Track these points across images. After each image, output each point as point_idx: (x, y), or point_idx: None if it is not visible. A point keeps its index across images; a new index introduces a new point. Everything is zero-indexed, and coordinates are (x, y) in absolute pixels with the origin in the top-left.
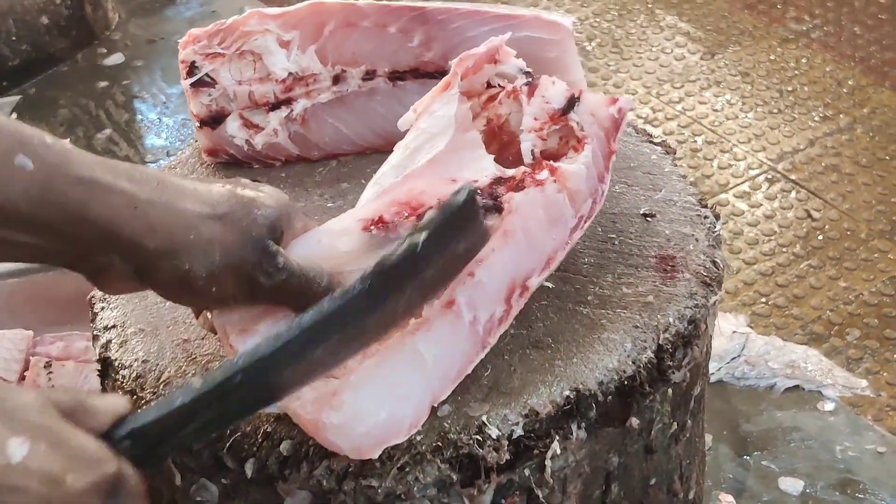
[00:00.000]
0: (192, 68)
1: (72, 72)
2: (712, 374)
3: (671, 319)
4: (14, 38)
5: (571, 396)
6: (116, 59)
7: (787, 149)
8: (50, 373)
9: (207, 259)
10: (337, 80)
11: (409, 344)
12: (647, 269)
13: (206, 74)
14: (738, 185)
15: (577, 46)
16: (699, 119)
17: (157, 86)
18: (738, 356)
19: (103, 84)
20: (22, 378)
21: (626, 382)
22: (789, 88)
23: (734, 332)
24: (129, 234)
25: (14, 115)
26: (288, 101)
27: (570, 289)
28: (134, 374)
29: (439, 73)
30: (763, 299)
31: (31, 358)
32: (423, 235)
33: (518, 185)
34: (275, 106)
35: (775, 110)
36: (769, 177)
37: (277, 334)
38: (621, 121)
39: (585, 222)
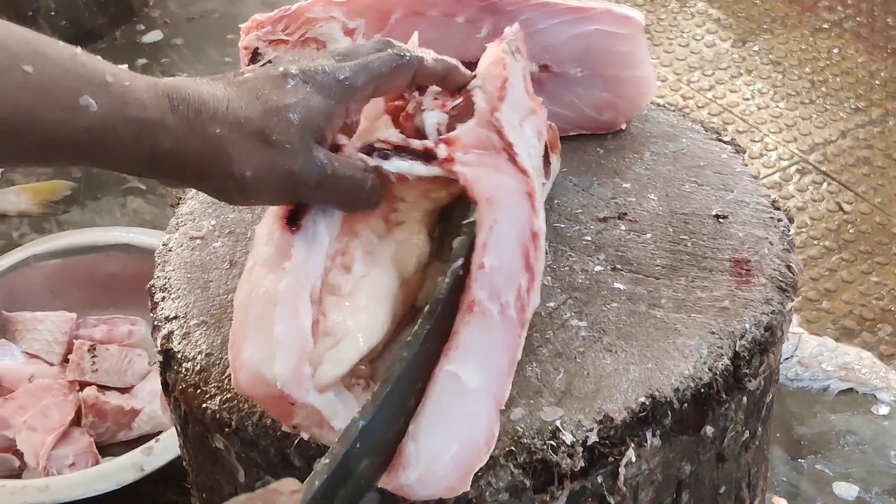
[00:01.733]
0: (254, 55)
1: (110, 48)
2: None
3: (748, 326)
4: (53, 14)
5: (647, 403)
6: (155, 36)
7: (818, 140)
8: (94, 356)
9: (241, 180)
10: None
11: (442, 370)
12: (721, 272)
13: (269, 61)
14: (770, 175)
15: None
16: (730, 108)
17: (195, 64)
18: (791, 356)
19: (142, 61)
20: (65, 360)
21: (702, 390)
22: (821, 79)
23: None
24: (170, 164)
25: None
26: None
27: (643, 291)
28: (198, 368)
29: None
30: None
31: (74, 341)
32: (459, 262)
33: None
34: None
35: (807, 100)
36: (800, 168)
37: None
38: (509, 46)
39: (510, 148)
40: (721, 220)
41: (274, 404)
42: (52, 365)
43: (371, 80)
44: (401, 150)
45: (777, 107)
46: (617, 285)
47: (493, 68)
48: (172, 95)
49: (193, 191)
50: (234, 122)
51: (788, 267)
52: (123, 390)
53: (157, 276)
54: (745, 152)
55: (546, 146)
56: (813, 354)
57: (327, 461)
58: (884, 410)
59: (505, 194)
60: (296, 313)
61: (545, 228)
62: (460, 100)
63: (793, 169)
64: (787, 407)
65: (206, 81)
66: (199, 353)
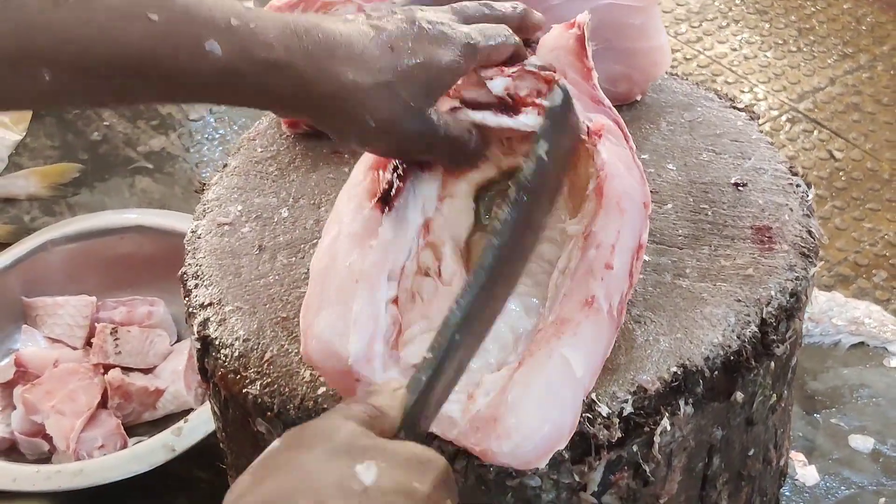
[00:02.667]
0: None
1: None
2: None
3: (773, 293)
4: None
5: (679, 373)
6: None
7: (807, 88)
8: (116, 339)
9: (362, 125)
10: None
11: (557, 351)
12: (743, 240)
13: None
14: (761, 125)
15: None
16: (718, 59)
17: None
18: None
19: None
20: (88, 344)
21: (731, 357)
22: (807, 26)
23: None
24: (296, 103)
25: None
26: None
27: (668, 261)
28: (237, 354)
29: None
30: None
31: (96, 325)
32: (544, 146)
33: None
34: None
35: (794, 49)
36: (790, 117)
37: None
38: (584, 38)
39: (629, 143)
40: (740, 188)
41: (339, 379)
42: (75, 349)
43: (491, 49)
44: (494, 108)
45: (765, 56)
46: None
47: (570, 56)
48: (303, 37)
49: (217, 176)
50: (367, 69)
51: (809, 232)
52: (146, 371)
53: (189, 264)
54: (759, 118)
55: None
56: (823, 310)
57: (430, 355)
58: (895, 363)
59: (630, 203)
60: (375, 293)
61: None
62: (516, 68)
63: (783, 118)
64: (800, 363)
65: (342, 22)
66: (237, 339)
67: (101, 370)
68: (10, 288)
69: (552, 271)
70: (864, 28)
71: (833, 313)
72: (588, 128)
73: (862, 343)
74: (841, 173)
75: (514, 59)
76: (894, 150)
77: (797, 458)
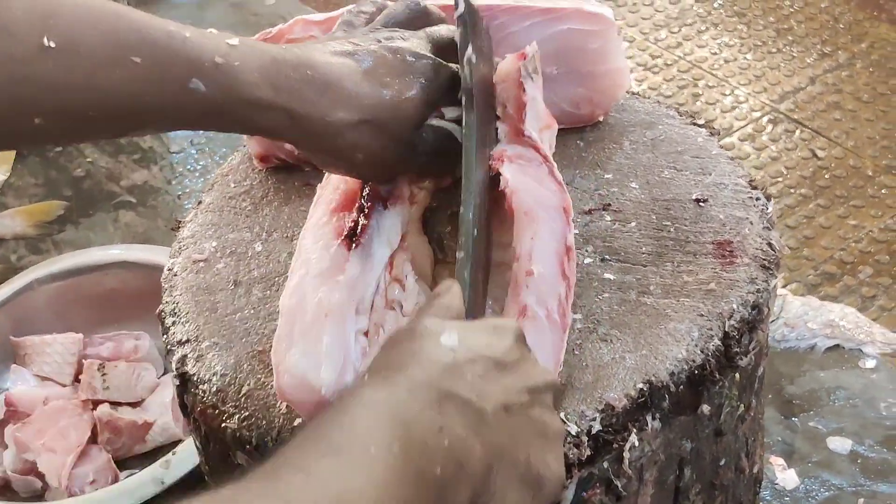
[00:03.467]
0: None
1: None
2: None
3: (735, 306)
4: None
5: (645, 389)
6: None
7: (787, 88)
8: (104, 374)
9: (351, 159)
10: None
11: None
12: (705, 255)
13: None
14: (742, 127)
15: None
16: (698, 63)
17: None
18: (777, 318)
19: None
20: (76, 380)
21: (696, 371)
22: (786, 27)
23: None
24: (282, 137)
25: None
26: None
27: (632, 279)
28: (214, 389)
29: None
30: None
31: (83, 361)
32: (469, 50)
33: None
34: None
35: (774, 50)
36: (772, 118)
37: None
38: (527, 68)
39: (548, 161)
40: (701, 203)
41: (313, 411)
42: (64, 386)
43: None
44: None
45: (745, 58)
46: (607, 275)
47: (510, 89)
48: (290, 74)
49: (192, 213)
50: (357, 107)
51: (770, 244)
52: (135, 405)
53: (166, 301)
54: (719, 134)
55: None
56: (798, 314)
57: (461, 254)
58: (870, 364)
59: (542, 210)
60: (345, 326)
61: None
62: None
63: (765, 119)
64: (777, 368)
65: (331, 54)
66: (214, 374)
67: (91, 406)
68: None
69: None
70: (841, 26)
71: (808, 317)
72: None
73: (837, 346)
74: (824, 171)
75: None
76: (876, 146)
77: (776, 462)
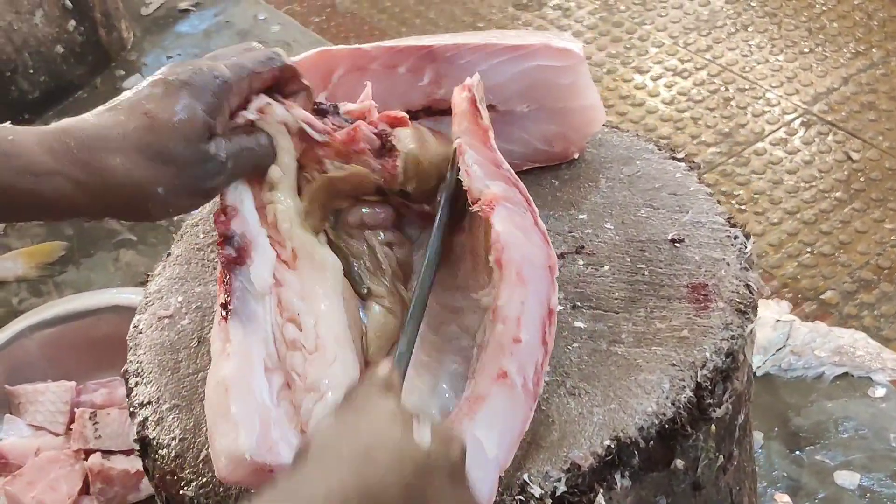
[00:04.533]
0: None
1: (92, 97)
2: (758, 367)
3: (708, 354)
4: (31, 71)
5: (612, 446)
6: (135, 80)
7: (820, 89)
8: (95, 423)
9: (156, 197)
10: None
11: (469, 433)
12: (679, 300)
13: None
14: (774, 131)
15: (599, 1)
16: (729, 66)
17: None
18: (784, 346)
19: None
20: (69, 429)
21: (666, 426)
22: (818, 26)
23: (777, 320)
24: (82, 205)
25: None
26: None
27: (604, 327)
28: (173, 454)
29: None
30: (808, 249)
31: (75, 410)
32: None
33: None
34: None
35: (806, 50)
36: (805, 120)
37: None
38: (475, 99)
39: (531, 206)
40: (677, 244)
41: (258, 480)
42: (57, 435)
43: (246, 77)
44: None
45: (776, 60)
46: (578, 324)
47: (466, 120)
48: (61, 139)
49: (161, 266)
50: (131, 147)
51: (748, 286)
52: (128, 452)
53: (130, 361)
54: (699, 168)
55: None
56: (805, 342)
57: (402, 345)
58: (880, 392)
59: (531, 271)
60: (249, 389)
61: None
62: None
63: (797, 122)
64: (783, 398)
65: (95, 113)
66: (174, 438)
67: (83, 456)
68: None
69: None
70: (875, 23)
71: (816, 344)
72: (480, 199)
73: (846, 374)
74: (859, 174)
75: (289, 80)
76: None
77: (781, 499)
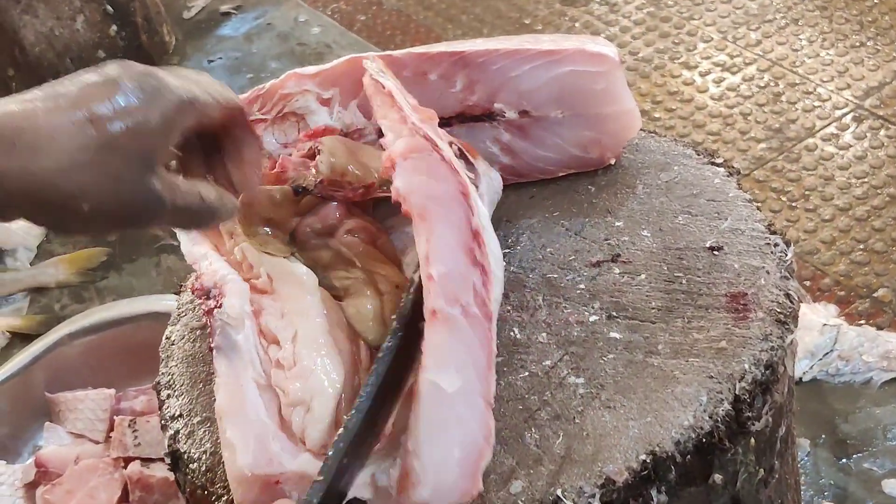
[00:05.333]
0: None
1: None
2: (804, 372)
3: (747, 366)
4: None
5: (648, 461)
6: None
7: (872, 84)
8: (135, 431)
9: (78, 212)
10: (382, 132)
11: (424, 380)
12: (717, 309)
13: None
14: (825, 127)
15: None
16: (779, 61)
17: None
18: (831, 351)
19: None
20: (108, 438)
21: (704, 440)
22: (869, 19)
23: (824, 324)
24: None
25: None
26: None
27: (640, 338)
28: (203, 468)
29: (485, 115)
30: (861, 246)
31: (115, 418)
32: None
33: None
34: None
35: (857, 44)
36: (856, 115)
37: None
38: (374, 76)
39: (437, 147)
40: (716, 252)
41: (271, 496)
42: (97, 443)
43: (211, 104)
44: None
45: (827, 54)
46: (613, 335)
47: (374, 93)
48: None
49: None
50: (62, 151)
51: (788, 295)
52: None
53: (162, 373)
54: (738, 173)
55: (465, 152)
56: (853, 346)
57: (320, 478)
58: None
59: (435, 205)
60: (241, 411)
61: (488, 224)
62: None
63: (849, 117)
64: (830, 404)
65: (30, 104)
66: (204, 452)
67: (122, 464)
68: (34, 385)
69: None
70: None
71: (864, 349)
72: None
73: (895, 379)
74: None
75: (237, 122)
76: None
77: None
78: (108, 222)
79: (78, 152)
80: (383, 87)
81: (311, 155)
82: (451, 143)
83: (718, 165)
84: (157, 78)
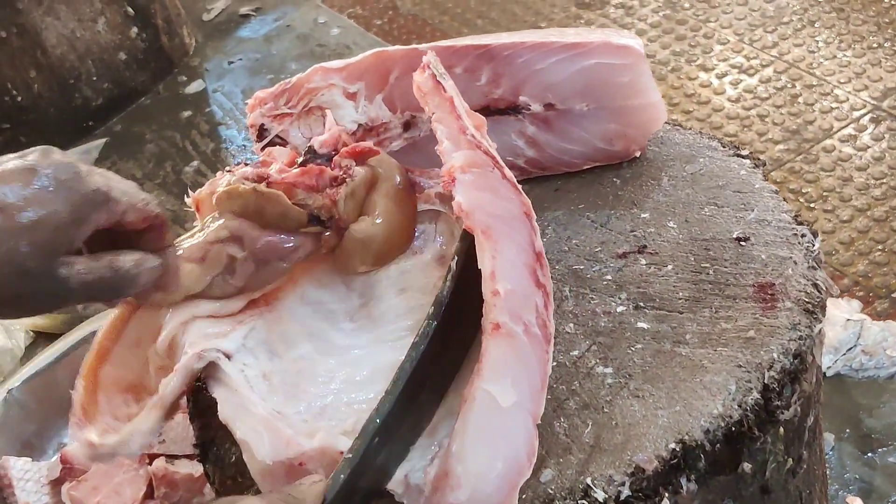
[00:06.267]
0: (261, 131)
1: (155, 103)
2: (829, 367)
3: (775, 355)
4: (95, 78)
5: (678, 450)
6: (197, 86)
7: (890, 85)
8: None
9: None
10: (408, 126)
11: (479, 389)
12: (745, 299)
13: (277, 136)
14: (843, 128)
15: None
16: (796, 63)
17: (240, 109)
18: (855, 346)
19: (187, 113)
20: None
21: (733, 428)
22: (887, 20)
23: (848, 319)
24: None
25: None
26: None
27: (667, 328)
28: (233, 459)
29: (510, 108)
30: (880, 246)
31: None
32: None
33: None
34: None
35: (874, 45)
36: (874, 116)
37: (377, 407)
38: (435, 75)
39: (497, 163)
40: (743, 242)
41: (295, 478)
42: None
43: (111, 209)
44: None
45: (844, 56)
46: (641, 325)
47: (431, 93)
48: None
49: None
50: None
51: (815, 285)
52: (192, 457)
53: None
54: (764, 165)
55: None
56: (877, 341)
57: (350, 455)
58: None
59: (500, 223)
60: (244, 410)
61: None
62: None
63: (866, 118)
64: (854, 399)
65: None
66: (234, 442)
67: (147, 461)
68: (58, 383)
69: None
70: None
71: (888, 343)
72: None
73: None
74: None
75: (155, 233)
76: None
77: (853, 502)
78: (17, 310)
79: None
80: (444, 91)
81: (338, 180)
82: None
83: (744, 157)
84: (74, 169)
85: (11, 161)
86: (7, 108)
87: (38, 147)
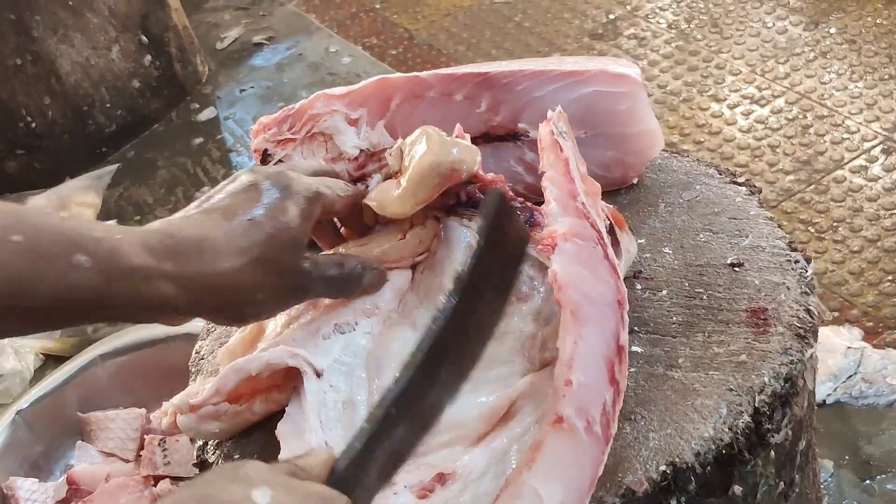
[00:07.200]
0: (265, 156)
1: (167, 131)
2: (828, 395)
3: (766, 379)
4: (108, 105)
5: (668, 472)
6: (209, 113)
7: None
8: (164, 450)
9: (255, 302)
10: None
11: (527, 484)
12: (737, 324)
13: (280, 160)
14: (854, 159)
15: (675, 30)
16: (807, 94)
17: (247, 139)
18: (855, 374)
19: (198, 140)
20: (138, 456)
21: (724, 451)
22: None
23: (848, 347)
24: (181, 305)
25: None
26: (363, 178)
27: (660, 352)
28: None
29: (510, 135)
30: (889, 277)
31: (145, 437)
32: (477, 237)
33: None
34: (351, 183)
35: (886, 76)
36: (885, 147)
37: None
38: (553, 133)
39: (601, 240)
40: (736, 268)
41: None
42: (127, 461)
43: (334, 197)
44: None
45: (856, 87)
46: (634, 348)
47: (549, 149)
48: (167, 241)
49: None
50: (237, 252)
51: (808, 311)
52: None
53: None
54: (760, 192)
55: (614, 225)
56: (877, 369)
57: (366, 425)
58: None
59: (591, 306)
60: (301, 436)
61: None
62: None
63: (878, 150)
64: (854, 426)
65: (198, 217)
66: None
67: (152, 482)
68: (66, 405)
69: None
70: None
71: (888, 371)
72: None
73: None
74: None
75: (354, 208)
76: None
77: None
78: (276, 305)
79: (248, 251)
80: (560, 150)
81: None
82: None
83: (740, 185)
84: (287, 176)
85: (228, 186)
86: (22, 135)
87: (241, 171)
